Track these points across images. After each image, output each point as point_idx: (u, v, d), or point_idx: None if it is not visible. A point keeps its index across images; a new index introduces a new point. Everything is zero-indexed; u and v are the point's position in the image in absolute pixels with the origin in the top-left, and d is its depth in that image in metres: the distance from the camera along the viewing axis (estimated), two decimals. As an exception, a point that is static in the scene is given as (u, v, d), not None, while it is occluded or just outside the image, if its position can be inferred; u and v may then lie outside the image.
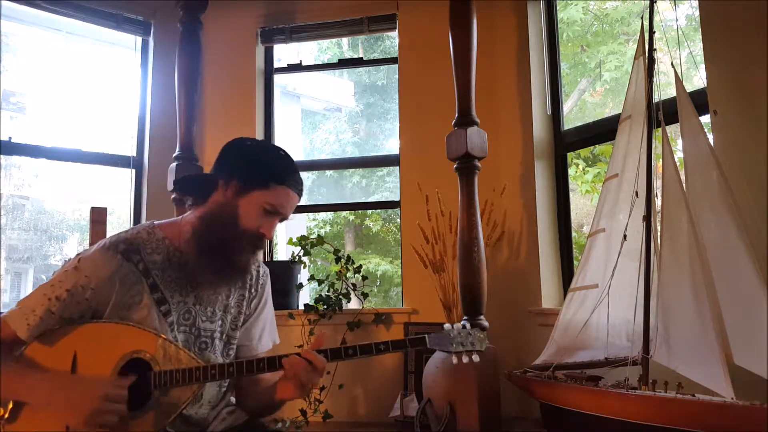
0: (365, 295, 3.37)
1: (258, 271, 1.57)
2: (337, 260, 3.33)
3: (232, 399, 1.54)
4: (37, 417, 1.27)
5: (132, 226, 3.67)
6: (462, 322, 1.39)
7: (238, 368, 1.32)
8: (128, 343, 1.31)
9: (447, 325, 1.37)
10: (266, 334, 1.57)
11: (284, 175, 1.37)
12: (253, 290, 1.54)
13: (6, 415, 1.29)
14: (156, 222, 1.46)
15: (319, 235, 3.50)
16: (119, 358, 1.30)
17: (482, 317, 2.60)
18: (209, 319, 1.42)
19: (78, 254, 1.37)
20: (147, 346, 1.31)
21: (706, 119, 2.25)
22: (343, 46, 7.67)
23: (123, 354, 1.30)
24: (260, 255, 1.58)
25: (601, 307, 2.22)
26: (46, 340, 1.31)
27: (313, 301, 3.27)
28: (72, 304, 1.31)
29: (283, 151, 1.44)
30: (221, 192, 1.38)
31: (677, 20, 2.30)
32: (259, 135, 3.79)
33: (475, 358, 1.35)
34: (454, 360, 1.35)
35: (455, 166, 2.73)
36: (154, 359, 1.30)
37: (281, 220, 1.43)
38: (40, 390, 1.26)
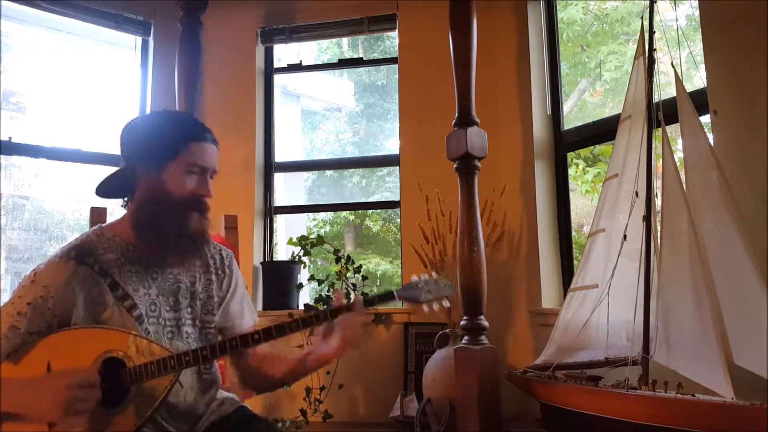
0: (365, 295, 3.37)
1: (221, 254, 1.57)
2: (337, 260, 3.33)
3: (221, 392, 1.54)
4: (19, 423, 1.26)
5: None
6: (424, 275, 1.43)
7: (212, 351, 1.34)
8: (99, 344, 1.31)
9: (414, 277, 1.41)
10: (246, 311, 1.59)
11: (186, 136, 1.39)
12: (220, 272, 1.54)
13: None
14: (102, 225, 1.48)
15: (319, 235, 3.51)
16: (93, 360, 1.30)
17: (482, 317, 2.60)
18: (173, 308, 1.43)
19: (33, 269, 1.37)
20: (118, 344, 1.31)
21: (706, 119, 2.25)
22: (343, 46, 7.67)
23: (96, 356, 1.30)
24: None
25: (601, 307, 2.22)
26: (16, 356, 1.31)
27: (313, 301, 3.27)
28: (36, 317, 1.31)
29: (171, 113, 1.49)
30: (143, 178, 1.39)
31: (677, 20, 2.30)
32: (259, 135, 3.79)
33: (446, 303, 1.39)
34: (425, 309, 1.39)
35: (455, 166, 2.73)
36: (127, 356, 1.31)
37: (213, 176, 1.45)
38: (11, 396, 1.25)
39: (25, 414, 1.24)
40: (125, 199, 1.46)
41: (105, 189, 1.45)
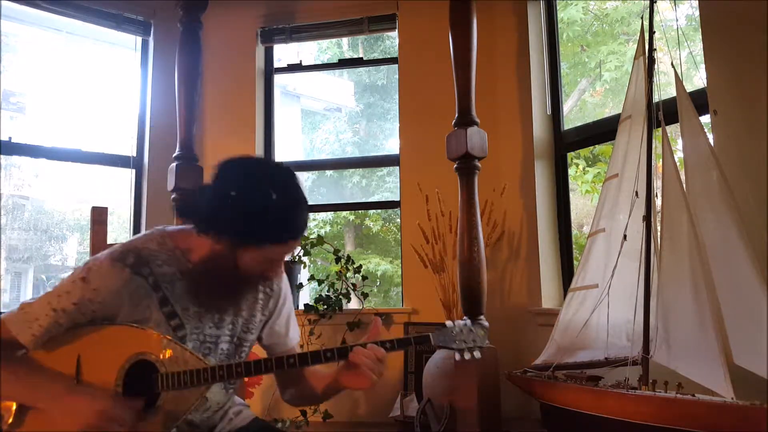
0: (365, 295, 3.37)
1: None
2: (337, 260, 3.33)
3: (237, 399, 1.53)
4: (42, 426, 1.26)
5: (132, 225, 3.69)
6: (464, 320, 1.41)
7: (246, 368, 1.31)
8: (132, 344, 1.29)
9: (449, 323, 1.38)
10: (292, 329, 1.56)
11: (277, 233, 1.24)
12: (268, 290, 1.50)
13: (11, 421, 1.28)
14: (168, 229, 1.39)
15: (319, 235, 3.50)
16: (125, 360, 1.28)
17: (482, 317, 2.60)
18: (216, 324, 1.39)
19: (87, 262, 1.32)
20: (152, 347, 1.28)
21: (706, 119, 2.25)
22: (343, 46, 7.67)
23: (128, 356, 1.28)
24: None
25: (601, 307, 2.22)
26: (48, 343, 1.29)
27: (313, 301, 3.27)
28: (78, 316, 1.28)
29: (278, 192, 1.22)
30: (215, 240, 1.26)
31: (677, 20, 2.30)
32: (259, 135, 3.79)
33: (477, 354, 1.36)
34: (457, 357, 1.36)
35: (455, 166, 2.73)
36: (159, 361, 1.28)
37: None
38: (44, 394, 1.24)
39: (50, 419, 1.24)
40: (197, 227, 1.29)
41: (185, 210, 1.32)
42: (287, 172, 1.28)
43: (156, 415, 1.27)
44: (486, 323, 2.60)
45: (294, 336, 1.56)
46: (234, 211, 1.21)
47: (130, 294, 1.29)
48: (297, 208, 1.25)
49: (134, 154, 3.70)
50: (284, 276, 1.55)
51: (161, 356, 1.28)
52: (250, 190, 1.22)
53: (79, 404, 1.23)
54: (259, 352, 1.52)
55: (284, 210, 1.23)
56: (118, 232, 4.16)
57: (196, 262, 1.33)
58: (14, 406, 1.28)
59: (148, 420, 1.26)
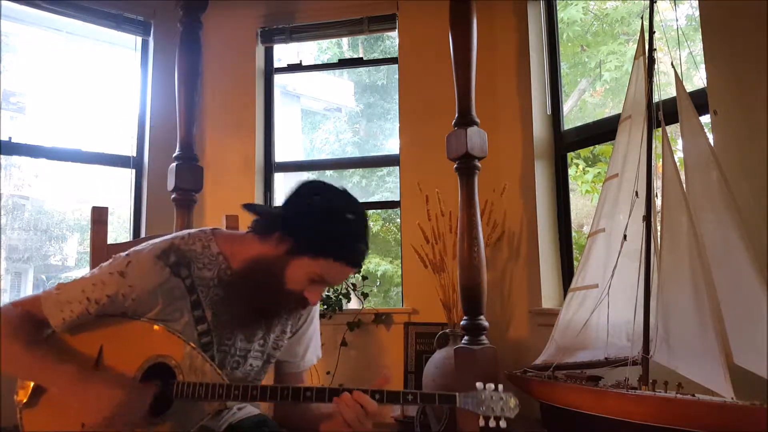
0: (365, 295, 3.37)
1: None
2: (337, 260, 3.33)
3: None
4: (56, 408, 1.25)
5: (132, 225, 3.68)
6: (494, 386, 1.30)
7: (262, 393, 1.28)
8: (156, 345, 1.28)
9: (479, 385, 1.28)
10: (310, 350, 1.53)
11: (343, 251, 1.25)
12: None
13: (25, 400, 1.27)
14: (217, 232, 1.39)
15: (319, 235, 3.50)
16: (144, 360, 1.27)
17: (482, 317, 2.60)
18: (247, 338, 1.38)
19: (128, 254, 1.31)
20: (174, 352, 1.27)
21: (706, 119, 2.25)
22: (343, 46, 7.66)
23: (149, 356, 1.27)
24: None
25: (601, 307, 2.22)
26: (74, 329, 1.29)
27: (313, 301, 3.27)
28: (110, 308, 1.28)
29: (355, 218, 1.27)
30: (276, 241, 1.27)
31: (677, 20, 2.30)
32: (259, 135, 3.79)
33: (503, 424, 1.29)
34: (481, 423, 1.29)
35: (455, 166, 2.73)
36: (179, 367, 1.26)
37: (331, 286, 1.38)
38: (59, 381, 1.23)
39: (64, 403, 1.23)
40: (253, 229, 1.32)
41: (255, 208, 1.34)
42: (364, 210, 1.32)
43: (166, 422, 1.26)
44: (486, 323, 2.60)
45: (311, 358, 1.54)
46: (310, 216, 1.25)
47: (164, 294, 1.29)
48: (363, 239, 1.28)
49: (134, 154, 3.70)
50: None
51: (181, 363, 1.27)
52: (334, 203, 1.27)
53: (97, 388, 1.22)
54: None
55: (354, 234, 1.26)
56: (118, 232, 4.16)
57: (238, 270, 1.32)
58: (32, 385, 1.28)
59: (160, 423, 1.25)
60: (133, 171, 3.69)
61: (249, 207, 1.32)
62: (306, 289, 1.28)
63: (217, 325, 1.32)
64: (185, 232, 1.38)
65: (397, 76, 3.68)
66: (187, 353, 1.27)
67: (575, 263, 3.16)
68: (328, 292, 3.32)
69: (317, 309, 1.55)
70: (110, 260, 1.33)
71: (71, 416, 1.23)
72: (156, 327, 1.29)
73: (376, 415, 1.23)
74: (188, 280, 1.30)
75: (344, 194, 1.30)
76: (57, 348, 1.27)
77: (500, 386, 1.30)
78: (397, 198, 3.59)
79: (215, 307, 1.32)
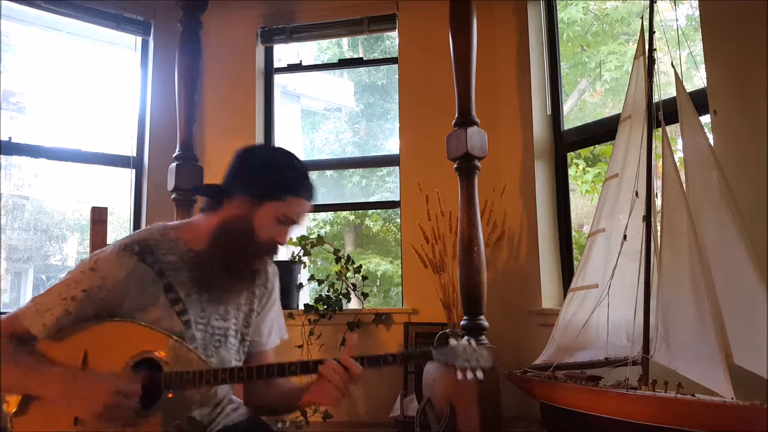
0: (365, 295, 3.37)
1: (268, 270, 1.57)
2: (337, 260, 3.33)
3: (233, 397, 1.54)
4: (47, 410, 1.27)
5: (132, 225, 3.69)
6: (466, 338, 1.40)
7: (248, 373, 1.33)
8: (139, 342, 1.31)
9: (453, 341, 1.37)
10: (275, 330, 1.59)
11: (297, 186, 1.39)
12: (263, 288, 1.55)
13: (15, 409, 1.29)
14: (166, 224, 1.47)
15: (319, 235, 3.50)
16: (130, 357, 1.30)
17: (482, 317, 2.60)
18: (222, 317, 1.43)
19: (94, 254, 1.38)
20: (158, 346, 1.31)
21: (706, 119, 2.25)
22: (343, 46, 7.66)
23: (133, 354, 1.30)
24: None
25: (601, 307, 2.22)
26: (57, 338, 1.31)
27: (313, 301, 3.27)
28: (87, 304, 1.32)
29: (296, 159, 1.44)
30: (236, 203, 1.39)
31: (677, 20, 2.30)
32: (259, 135, 3.79)
33: (479, 375, 1.34)
34: (459, 376, 1.34)
35: (455, 166, 2.73)
36: (164, 360, 1.30)
37: (294, 226, 1.44)
38: (53, 383, 1.26)
39: (55, 403, 1.25)
40: (202, 206, 1.46)
41: (199, 189, 1.49)
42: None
43: (156, 413, 1.28)
44: (486, 323, 2.61)
45: (276, 338, 1.60)
46: (261, 167, 1.39)
47: (135, 281, 1.34)
48: (309, 176, 1.43)
49: (134, 154, 3.70)
50: (277, 280, 1.60)
51: (166, 356, 1.30)
52: (275, 153, 1.47)
53: (87, 383, 1.25)
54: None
55: (302, 171, 1.42)
56: (118, 232, 4.16)
57: (199, 250, 1.40)
58: (19, 398, 1.30)
59: (149, 418, 1.28)
60: (133, 171, 3.68)
61: (197, 189, 1.48)
62: (275, 233, 1.39)
63: (191, 304, 1.38)
64: (141, 228, 1.48)
65: (397, 76, 3.68)
66: (170, 345, 1.31)
67: (575, 263, 3.16)
68: (328, 291, 3.32)
69: (278, 289, 1.61)
70: (79, 263, 1.39)
71: (63, 414, 1.25)
72: (137, 325, 1.32)
73: (360, 378, 1.35)
74: (156, 265, 1.37)
75: (274, 146, 1.44)
76: (42, 358, 1.30)
77: (472, 340, 1.39)
78: (397, 198, 3.59)
79: (186, 288, 1.38)
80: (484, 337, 2.58)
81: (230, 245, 1.37)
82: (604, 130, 3.00)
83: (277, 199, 1.37)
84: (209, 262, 1.39)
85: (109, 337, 1.31)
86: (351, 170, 7.69)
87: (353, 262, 3.36)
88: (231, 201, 1.39)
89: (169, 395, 1.29)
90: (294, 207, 1.39)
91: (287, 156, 1.45)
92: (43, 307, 1.31)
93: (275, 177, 1.38)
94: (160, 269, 1.37)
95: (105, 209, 2.20)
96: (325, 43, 7.46)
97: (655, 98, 2.22)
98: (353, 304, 3.42)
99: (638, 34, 2.30)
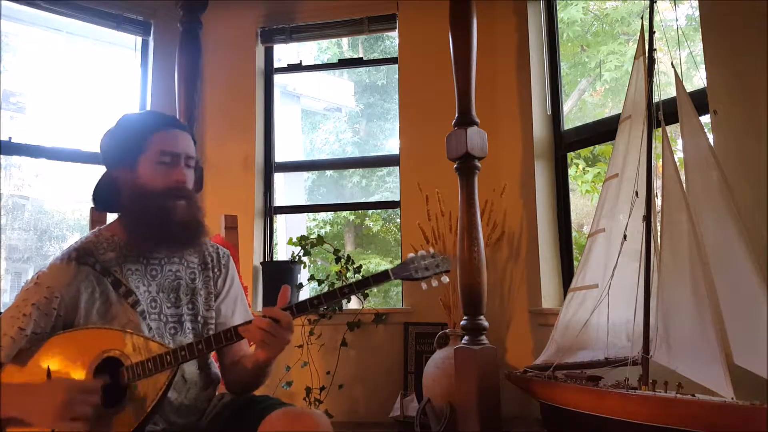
0: (365, 295, 3.37)
1: (218, 252, 1.59)
2: (337, 260, 3.33)
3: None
4: (22, 429, 1.26)
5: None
6: (420, 251, 1.36)
7: (206, 343, 1.33)
8: (97, 345, 1.32)
9: (410, 254, 1.35)
10: (238, 312, 1.58)
11: (149, 128, 1.42)
12: (216, 270, 1.56)
13: None
14: (101, 227, 1.51)
15: (319, 235, 3.50)
16: (90, 361, 1.31)
17: (482, 317, 2.60)
18: (174, 304, 1.45)
19: (36, 273, 1.40)
20: (115, 343, 1.32)
21: (706, 119, 2.25)
22: (343, 46, 7.67)
23: (93, 357, 1.31)
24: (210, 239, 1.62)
25: (601, 307, 2.22)
26: (16, 362, 1.31)
27: (313, 301, 3.27)
28: (41, 318, 1.32)
29: (134, 114, 1.51)
30: (121, 180, 1.43)
31: (677, 20, 2.30)
32: (259, 135, 3.79)
33: (444, 279, 1.32)
34: (423, 286, 1.33)
35: (455, 166, 2.73)
36: (124, 355, 1.31)
37: (189, 163, 1.46)
38: (14, 401, 1.25)
39: (27, 420, 1.24)
40: (107, 206, 1.52)
41: (100, 202, 1.50)
42: None
43: (125, 407, 1.29)
44: (486, 323, 2.60)
45: (240, 319, 1.57)
46: (113, 141, 1.46)
47: (83, 284, 1.36)
48: (152, 111, 1.59)
49: (134, 154, 3.70)
50: (231, 261, 1.61)
51: (125, 350, 1.31)
52: (115, 125, 1.50)
53: (49, 395, 1.23)
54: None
55: (143, 113, 1.59)
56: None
57: (126, 238, 1.44)
58: None
59: (119, 415, 1.28)
60: (133, 171, 3.68)
61: (96, 204, 1.51)
62: (167, 177, 1.40)
63: (141, 294, 1.40)
64: (78, 238, 1.50)
65: (397, 76, 3.68)
66: (128, 340, 1.32)
67: (575, 263, 3.16)
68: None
69: (236, 274, 1.62)
70: (23, 285, 1.40)
71: (37, 427, 1.23)
72: (92, 329, 1.33)
73: (291, 325, 1.32)
74: (97, 265, 1.39)
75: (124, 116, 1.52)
76: (5, 381, 1.29)
77: (430, 248, 1.37)
78: (397, 198, 3.59)
79: (134, 280, 1.40)
80: (483, 337, 2.58)
81: (138, 213, 1.40)
82: (604, 130, 3.00)
83: (143, 151, 1.40)
84: (136, 245, 1.42)
85: (67, 347, 1.32)
86: (351, 170, 7.69)
87: (353, 262, 3.37)
88: (118, 181, 1.44)
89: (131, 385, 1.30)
90: (163, 140, 1.41)
91: (128, 115, 1.50)
92: None
93: (129, 131, 1.44)
94: (103, 268, 1.39)
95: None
96: (325, 43, 7.46)
97: (655, 98, 2.22)
98: (353, 304, 3.42)
99: (638, 34, 2.30)
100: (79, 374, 1.30)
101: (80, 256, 1.39)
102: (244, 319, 1.58)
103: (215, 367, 1.55)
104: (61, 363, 1.31)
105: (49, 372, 1.29)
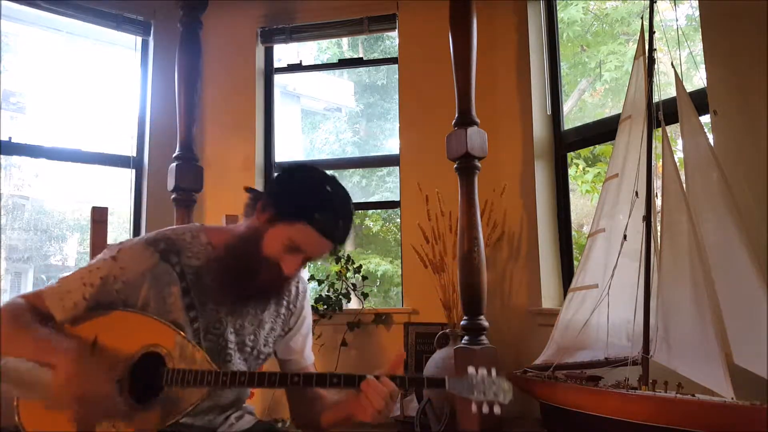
0: (365, 295, 3.37)
1: (297, 288, 1.53)
2: (337, 260, 3.33)
3: (245, 405, 1.53)
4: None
5: (132, 225, 3.69)
6: (487, 370, 1.27)
7: (250, 378, 1.28)
8: (148, 335, 1.30)
9: (471, 369, 1.25)
10: (308, 349, 1.56)
11: (311, 213, 1.28)
12: (291, 306, 1.51)
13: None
14: (206, 226, 1.45)
15: (319, 235, 3.50)
16: (136, 349, 1.29)
17: (482, 317, 2.60)
18: (237, 331, 1.40)
19: (120, 243, 1.37)
20: (165, 341, 1.29)
21: (706, 119, 2.25)
22: (343, 46, 7.66)
23: (141, 346, 1.29)
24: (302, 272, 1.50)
25: (601, 307, 2.22)
26: (72, 322, 1.31)
27: (313, 301, 3.27)
28: (102, 293, 1.31)
29: (329, 191, 1.32)
30: (258, 212, 1.34)
31: (677, 20, 2.30)
32: (259, 135, 3.79)
33: (497, 410, 1.25)
34: (474, 408, 1.26)
35: (455, 166, 2.73)
36: (169, 355, 1.28)
37: (307, 260, 1.36)
38: (62, 354, 1.21)
39: (51, 365, 1.21)
40: (246, 210, 1.41)
41: (250, 191, 1.43)
42: (346, 192, 1.37)
43: (155, 407, 1.27)
44: (486, 323, 2.60)
45: (309, 356, 1.56)
46: (291, 184, 1.33)
47: (154, 278, 1.32)
48: (341, 214, 1.32)
49: (134, 154, 3.70)
50: (308, 297, 1.56)
51: (172, 351, 1.29)
52: (314, 175, 1.35)
53: (95, 368, 1.21)
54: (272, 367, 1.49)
55: (330, 204, 1.31)
56: (118, 232, 4.16)
57: (222, 255, 1.35)
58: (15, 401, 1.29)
59: (147, 410, 1.27)
60: (133, 171, 3.68)
61: (249, 189, 1.42)
62: (282, 258, 1.31)
63: (204, 312, 1.35)
64: (177, 225, 1.44)
65: (397, 76, 3.68)
66: (177, 342, 1.29)
67: (575, 263, 3.16)
68: (328, 291, 3.32)
69: (310, 311, 1.58)
70: (105, 249, 1.38)
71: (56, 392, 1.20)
72: (147, 318, 1.31)
73: (397, 397, 1.25)
74: (177, 267, 1.34)
75: (327, 174, 1.36)
76: (55, 333, 1.28)
77: (493, 370, 1.25)
78: (397, 198, 3.59)
79: (205, 295, 1.35)
80: (484, 337, 2.58)
81: (237, 258, 1.32)
82: (604, 130, 3.00)
83: (289, 222, 1.29)
84: (220, 272, 1.34)
85: (120, 326, 1.31)
86: (351, 170, 7.68)
87: (353, 262, 3.37)
88: (257, 212, 1.34)
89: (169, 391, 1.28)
90: (306, 238, 1.29)
91: (321, 184, 1.33)
92: (65, 289, 1.31)
93: (295, 198, 1.31)
94: (182, 271, 1.34)
95: (105, 209, 2.19)
96: (325, 43, 7.45)
97: (655, 98, 2.22)
98: (353, 304, 3.42)
99: (638, 34, 2.30)
100: (122, 354, 1.27)
101: (166, 251, 1.34)
102: (312, 357, 1.57)
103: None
104: (109, 338, 1.28)
105: (95, 344, 1.27)
